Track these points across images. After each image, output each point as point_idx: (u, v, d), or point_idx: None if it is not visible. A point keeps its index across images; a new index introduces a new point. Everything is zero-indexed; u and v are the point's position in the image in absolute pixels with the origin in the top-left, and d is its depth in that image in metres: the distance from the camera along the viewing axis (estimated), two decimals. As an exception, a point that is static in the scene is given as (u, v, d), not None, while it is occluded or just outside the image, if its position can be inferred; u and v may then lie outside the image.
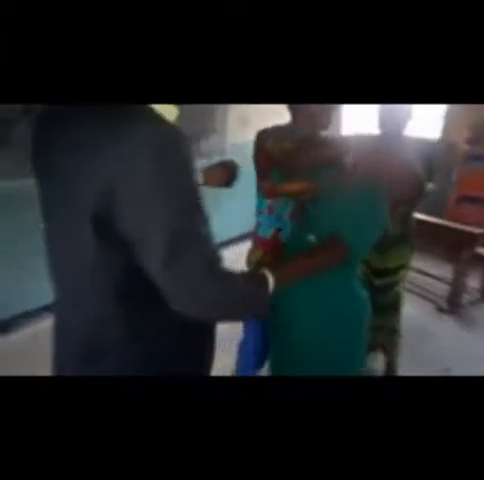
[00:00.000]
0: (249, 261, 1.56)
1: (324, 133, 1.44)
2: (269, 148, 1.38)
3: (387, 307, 1.96)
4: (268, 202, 1.46)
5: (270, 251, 1.48)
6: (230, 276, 0.72)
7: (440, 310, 2.97)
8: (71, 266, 0.76)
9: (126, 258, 0.68)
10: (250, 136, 4.10)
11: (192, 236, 0.66)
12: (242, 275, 0.79)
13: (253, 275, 0.82)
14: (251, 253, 1.58)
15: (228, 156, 3.57)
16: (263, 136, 1.45)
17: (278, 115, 3.51)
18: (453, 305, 2.98)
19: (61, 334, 0.86)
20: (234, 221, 4.07)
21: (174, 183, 0.65)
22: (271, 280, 0.82)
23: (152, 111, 0.68)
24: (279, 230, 1.46)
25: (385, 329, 1.99)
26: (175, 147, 0.65)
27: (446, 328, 2.76)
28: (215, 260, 0.70)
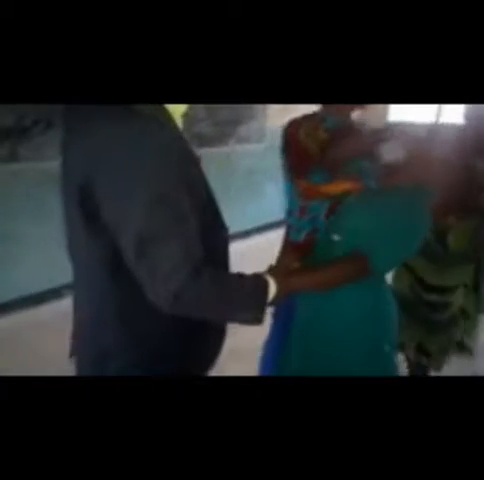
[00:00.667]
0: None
1: (361, 120, 1.31)
2: (303, 141, 1.24)
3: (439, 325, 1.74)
4: (300, 202, 1.28)
5: (305, 256, 1.28)
6: (206, 274, 0.69)
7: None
8: (74, 252, 0.81)
9: (113, 244, 0.70)
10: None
11: (161, 233, 0.66)
12: (233, 275, 0.78)
13: (251, 278, 0.78)
14: (281, 260, 1.33)
15: (267, 142, 3.59)
16: (293, 127, 1.30)
17: None
18: None
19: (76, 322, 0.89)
20: (271, 207, 4.06)
21: (146, 179, 0.65)
22: (272, 286, 0.79)
23: (132, 107, 0.67)
24: (314, 232, 1.29)
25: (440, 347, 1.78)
26: (149, 142, 0.65)
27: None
28: (188, 257, 0.67)
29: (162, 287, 0.66)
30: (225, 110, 3.33)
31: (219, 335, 0.91)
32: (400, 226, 1.00)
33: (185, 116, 0.79)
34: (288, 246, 1.39)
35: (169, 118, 0.72)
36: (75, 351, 0.89)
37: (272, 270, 0.83)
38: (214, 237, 0.81)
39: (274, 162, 4.14)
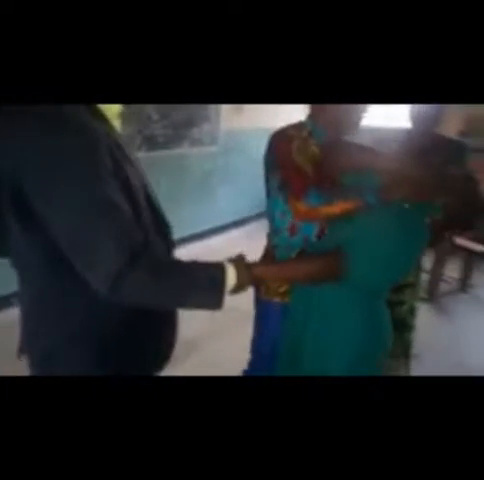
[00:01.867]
0: (273, 291, 1.30)
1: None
2: (297, 160, 1.17)
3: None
4: (289, 221, 1.20)
5: None
6: (146, 259, 0.71)
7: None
8: (13, 254, 0.79)
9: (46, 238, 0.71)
10: (243, 123, 4.76)
11: (90, 224, 0.68)
12: (183, 262, 0.78)
13: (207, 264, 0.79)
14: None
15: (221, 144, 3.80)
16: (282, 143, 1.21)
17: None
18: (431, 294, 3.06)
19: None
20: (227, 208, 4.17)
21: (71, 175, 0.67)
22: (231, 272, 0.79)
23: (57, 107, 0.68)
24: (304, 252, 1.23)
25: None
26: (72, 140, 0.67)
27: (421, 316, 2.51)
28: (123, 244, 0.69)
29: (101, 273, 0.68)
30: (178, 112, 3.36)
31: (171, 329, 0.96)
32: (389, 234, 0.97)
33: (121, 117, 0.85)
34: None
35: (99, 117, 0.76)
36: (23, 350, 0.89)
37: (234, 259, 0.82)
38: (155, 233, 0.84)
39: (228, 164, 4.90)
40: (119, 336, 0.82)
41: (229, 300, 0.79)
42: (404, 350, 1.84)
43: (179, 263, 0.78)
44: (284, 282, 1.09)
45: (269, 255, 1.33)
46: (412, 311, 1.83)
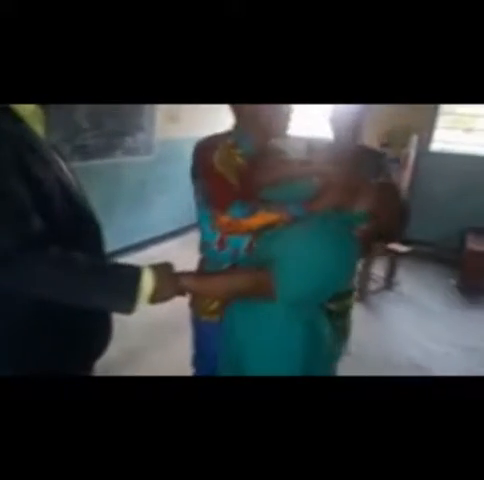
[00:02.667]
0: (203, 310, 1.25)
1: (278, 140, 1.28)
2: (220, 170, 1.13)
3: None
4: (218, 235, 1.18)
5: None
6: (49, 252, 0.72)
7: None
8: None
9: None
10: (179, 133, 4.75)
11: None
12: (94, 260, 0.78)
13: (123, 266, 0.79)
14: (202, 299, 1.24)
15: (156, 153, 3.76)
16: (205, 152, 1.17)
17: (209, 111, 3.99)
18: (360, 293, 3.15)
19: None
20: (164, 218, 4.09)
21: None
22: (148, 277, 0.77)
23: None
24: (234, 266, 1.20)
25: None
26: None
27: (353, 315, 2.88)
28: (16, 229, 0.70)
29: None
30: (110, 120, 3.31)
31: (101, 331, 0.95)
32: (316, 248, 0.95)
33: (43, 123, 0.86)
34: None
35: (16, 119, 0.78)
36: None
37: (156, 265, 0.80)
38: (77, 229, 0.84)
39: (163, 174, 4.94)
40: (37, 336, 0.80)
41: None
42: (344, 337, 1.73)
43: (91, 259, 0.77)
44: (213, 296, 1.06)
45: (200, 269, 1.29)
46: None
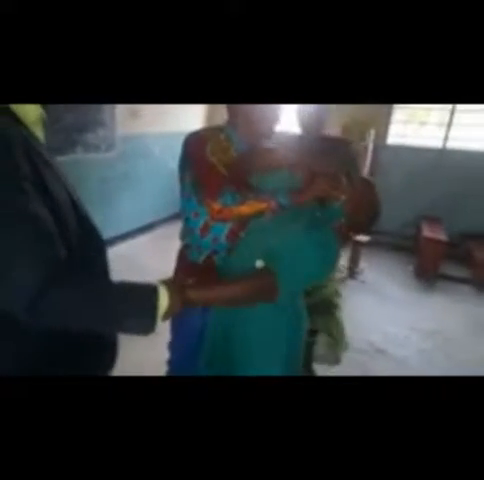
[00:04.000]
0: None
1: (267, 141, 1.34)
2: (211, 162, 1.19)
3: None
4: (202, 222, 1.24)
5: (203, 278, 1.12)
6: (66, 279, 0.66)
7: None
8: None
9: None
10: (140, 128, 4.72)
11: (11, 249, 0.63)
12: (112, 283, 0.74)
13: (139, 285, 0.75)
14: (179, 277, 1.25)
15: (118, 149, 3.69)
16: (196, 144, 1.23)
17: (170, 106, 3.93)
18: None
19: None
20: (131, 214, 4.04)
21: None
22: (164, 295, 0.75)
23: None
24: (215, 253, 1.28)
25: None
26: None
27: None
28: (41, 263, 0.64)
29: (17, 292, 0.63)
30: (70, 116, 3.24)
31: (106, 351, 0.91)
32: (307, 245, 1.00)
33: (41, 122, 0.81)
34: (187, 266, 1.33)
35: (18, 123, 0.73)
36: None
37: (166, 282, 0.79)
38: (85, 245, 0.79)
39: (126, 170, 4.92)
40: (48, 360, 0.76)
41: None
42: (340, 329, 1.90)
43: (108, 282, 0.74)
44: (218, 305, 1.07)
45: (182, 255, 1.35)
46: (336, 292, 1.96)
